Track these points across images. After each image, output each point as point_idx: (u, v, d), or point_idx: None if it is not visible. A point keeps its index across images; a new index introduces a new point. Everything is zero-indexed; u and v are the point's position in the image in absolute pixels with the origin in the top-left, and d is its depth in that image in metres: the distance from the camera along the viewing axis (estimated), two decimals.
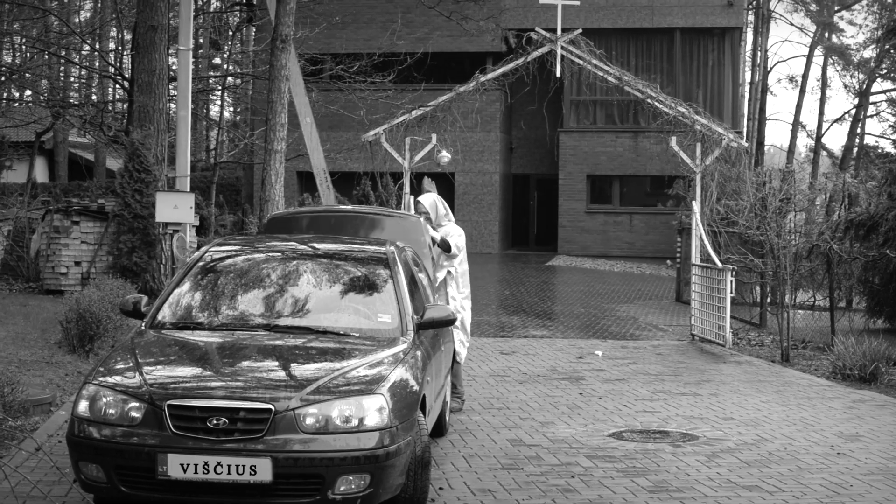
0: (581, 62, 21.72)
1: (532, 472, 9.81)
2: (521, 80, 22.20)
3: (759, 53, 50.47)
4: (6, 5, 37.88)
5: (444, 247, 12.64)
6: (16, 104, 46.38)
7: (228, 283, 9.44)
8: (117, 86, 38.68)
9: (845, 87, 58.44)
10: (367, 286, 9.42)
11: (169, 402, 7.46)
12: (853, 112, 56.77)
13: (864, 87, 56.01)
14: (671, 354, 17.82)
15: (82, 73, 44.83)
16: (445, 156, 24.09)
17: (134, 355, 8.19)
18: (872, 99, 56.88)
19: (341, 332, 8.76)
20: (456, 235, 12.85)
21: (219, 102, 51.07)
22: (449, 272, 12.79)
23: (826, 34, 56.39)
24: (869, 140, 57.22)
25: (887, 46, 48.62)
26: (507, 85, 23.07)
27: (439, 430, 10.98)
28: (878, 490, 9.33)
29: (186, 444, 7.35)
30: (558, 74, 21.84)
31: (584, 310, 24.20)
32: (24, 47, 45.84)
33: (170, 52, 24.23)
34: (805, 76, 56.15)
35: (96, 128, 33.62)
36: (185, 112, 20.65)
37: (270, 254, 9.90)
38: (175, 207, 19.43)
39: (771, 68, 55.59)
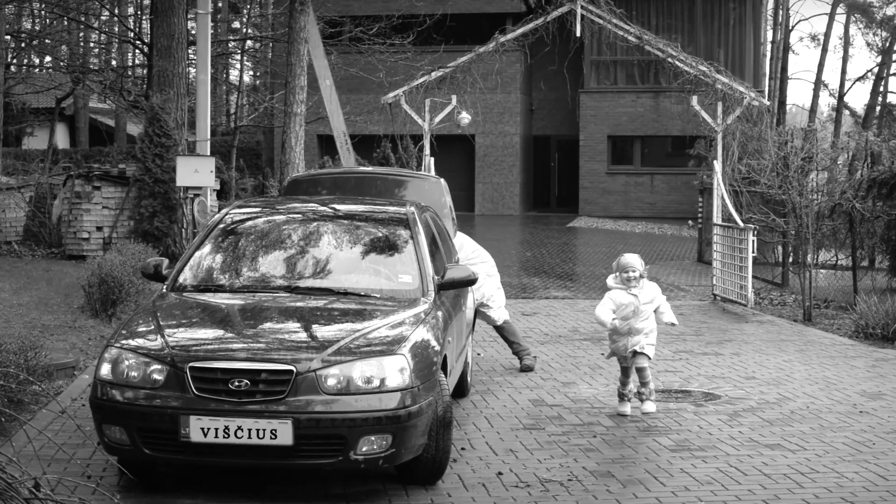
0: (601, 21, 21.61)
1: (554, 431, 9.82)
2: (541, 40, 22.10)
3: (780, 12, 50.07)
4: None
5: None
6: (36, 70, 46.45)
7: (249, 245, 9.43)
8: (137, 51, 38.73)
9: (868, 45, 58.10)
10: (387, 247, 9.41)
11: (191, 365, 7.48)
12: (876, 70, 56.39)
13: (887, 44, 55.60)
14: (693, 314, 17.79)
15: (102, 38, 44.80)
16: (465, 117, 24.04)
17: (156, 318, 8.20)
18: (895, 57, 56.46)
19: (362, 294, 8.76)
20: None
21: (238, 66, 51.03)
22: None
23: None
24: (892, 98, 56.98)
25: None
26: (526, 45, 22.97)
27: (461, 390, 10.99)
28: None
29: (209, 406, 7.37)
30: (578, 34, 21.74)
31: (606, 271, 24.13)
32: (43, 13, 45.81)
33: (189, 16, 24.21)
34: (827, 34, 55.77)
35: (116, 93, 33.63)
36: (205, 76, 20.62)
37: (291, 215, 9.88)
38: (195, 171, 19.43)
39: (793, 27, 55.22)
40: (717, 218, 20.20)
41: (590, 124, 41.14)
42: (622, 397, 10.71)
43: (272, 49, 39.62)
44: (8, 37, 34.70)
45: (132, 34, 35.93)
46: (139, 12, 41.94)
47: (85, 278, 15.14)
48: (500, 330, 12.93)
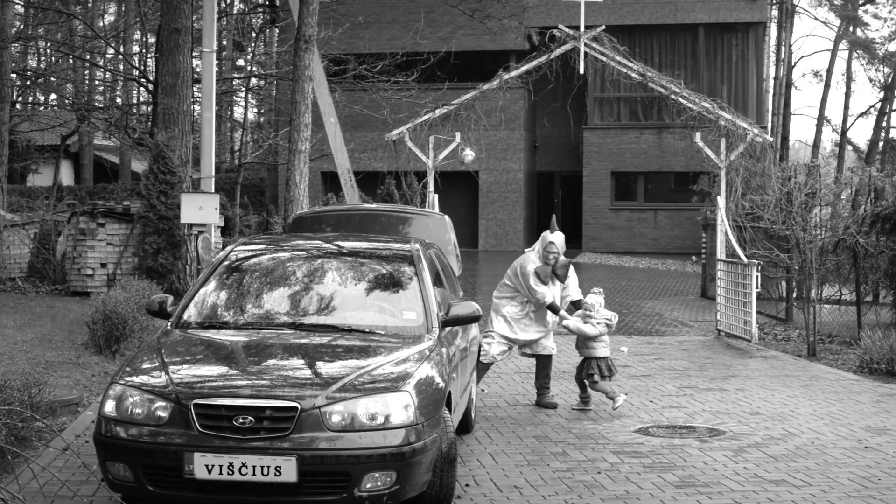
0: (604, 59, 21.69)
1: (558, 467, 9.81)
2: (545, 77, 22.18)
3: (783, 48, 50.22)
4: (31, 10, 38.09)
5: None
6: (41, 108, 46.65)
7: (253, 281, 9.46)
8: (142, 88, 38.88)
9: (870, 80, 58.17)
10: (391, 284, 9.43)
11: (195, 402, 7.48)
12: (878, 106, 56.47)
13: (890, 80, 55.67)
14: (697, 350, 17.77)
15: (107, 76, 45.02)
16: (469, 154, 24.09)
17: (160, 355, 8.21)
18: None
19: (366, 330, 8.77)
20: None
21: (243, 104, 51.22)
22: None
23: (850, 28, 56.13)
24: (895, 134, 56.94)
25: None
26: (530, 83, 23.06)
27: (465, 426, 10.98)
28: None
29: (213, 443, 7.36)
30: (582, 71, 21.81)
31: (610, 306, 24.12)
32: (48, 51, 46.06)
33: (193, 54, 24.32)
34: (830, 70, 55.90)
35: (121, 130, 33.79)
36: (210, 113, 20.71)
37: (295, 252, 9.91)
38: (200, 208, 19.47)
39: (795, 63, 55.37)
40: (720, 253, 20.22)
41: (593, 160, 41.22)
42: None
43: (276, 87, 39.77)
44: (14, 75, 34.88)
45: (137, 72, 36.10)
46: (144, 51, 42.16)
47: (89, 315, 15.14)
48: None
